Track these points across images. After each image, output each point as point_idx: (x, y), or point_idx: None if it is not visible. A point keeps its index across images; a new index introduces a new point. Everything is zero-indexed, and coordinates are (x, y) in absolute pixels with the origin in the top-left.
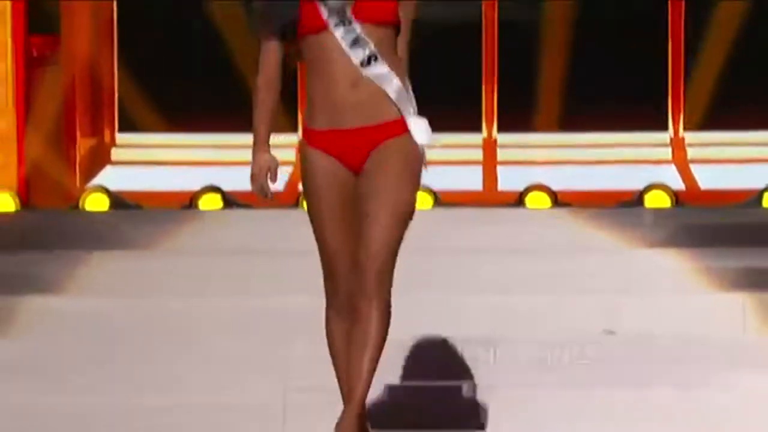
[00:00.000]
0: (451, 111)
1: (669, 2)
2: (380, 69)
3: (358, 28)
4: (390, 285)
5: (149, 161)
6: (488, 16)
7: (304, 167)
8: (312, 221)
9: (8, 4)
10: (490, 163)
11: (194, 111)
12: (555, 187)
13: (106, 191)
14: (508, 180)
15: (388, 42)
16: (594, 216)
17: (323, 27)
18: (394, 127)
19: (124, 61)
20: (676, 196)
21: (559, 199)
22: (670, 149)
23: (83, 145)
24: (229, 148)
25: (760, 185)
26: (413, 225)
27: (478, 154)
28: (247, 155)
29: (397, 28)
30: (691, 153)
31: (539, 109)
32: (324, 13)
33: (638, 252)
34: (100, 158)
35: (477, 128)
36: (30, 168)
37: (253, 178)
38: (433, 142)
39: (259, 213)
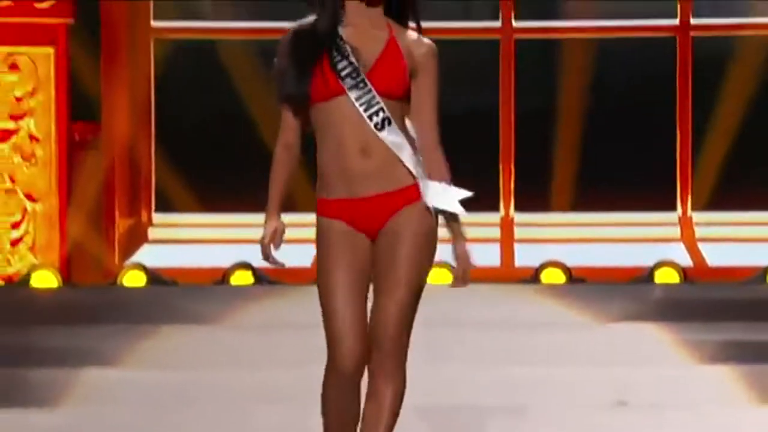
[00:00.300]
0: (470, 191)
1: (677, 92)
2: (394, 133)
3: (373, 91)
4: (405, 360)
5: (184, 239)
6: (505, 103)
7: (319, 236)
8: (322, 288)
9: (52, 93)
10: (507, 241)
11: (226, 192)
12: (569, 264)
13: (144, 268)
14: (525, 257)
15: (398, 114)
16: (606, 291)
17: (336, 93)
18: (411, 192)
19: (160, 145)
20: (685, 273)
21: (573, 275)
22: (678, 228)
23: (122, 224)
24: (258, 227)
25: (765, 263)
26: (433, 300)
27: (496, 233)
28: None
29: (405, 103)
30: (698, 232)
31: (554, 189)
32: (339, 78)
33: (645, 325)
34: (137, 237)
35: (495, 208)
36: (72, 246)
37: (260, 244)
38: (452, 205)
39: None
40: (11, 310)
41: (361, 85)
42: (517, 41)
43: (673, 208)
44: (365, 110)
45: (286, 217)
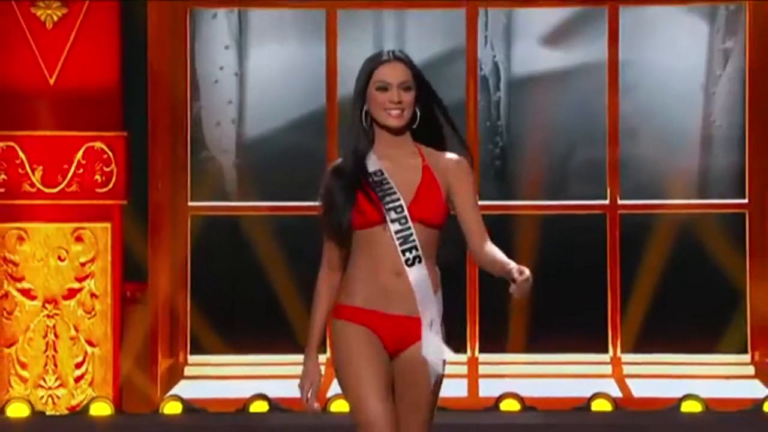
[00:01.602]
0: (447, 336)
1: (608, 257)
2: (419, 272)
3: (412, 227)
4: None
5: (213, 376)
6: (472, 268)
7: (343, 339)
8: (350, 389)
9: (109, 260)
10: (473, 376)
11: (246, 337)
12: (523, 395)
13: (180, 399)
14: (487, 389)
15: (432, 242)
16: (553, 416)
17: (378, 222)
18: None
19: (194, 301)
20: (616, 403)
21: (526, 404)
22: (610, 367)
23: (163, 363)
24: (273, 365)
25: (680, 395)
26: None
27: (464, 370)
28: (287, 371)
29: (440, 231)
30: (626, 370)
31: (511, 334)
32: (383, 211)
33: None
34: (176, 374)
35: (463, 350)
36: (123, 382)
37: (300, 388)
38: (439, 364)
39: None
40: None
41: (403, 220)
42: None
43: (605, 350)
44: (401, 244)
45: (295, 358)
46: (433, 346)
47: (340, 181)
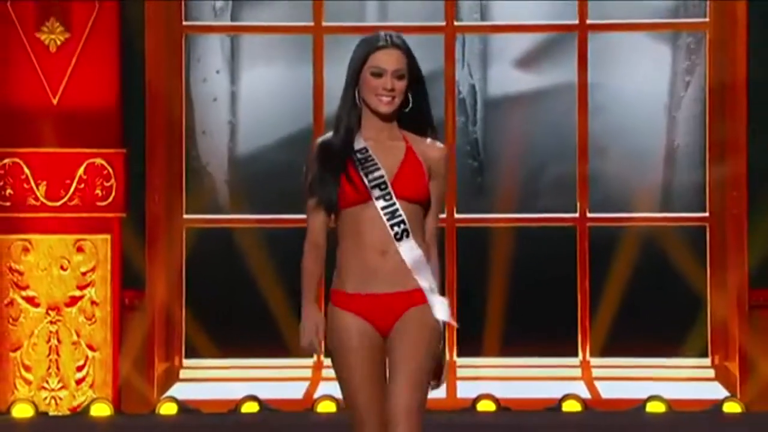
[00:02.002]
0: None
1: (578, 266)
2: (410, 244)
3: (397, 203)
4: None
5: (207, 378)
6: (450, 280)
7: (336, 328)
8: (342, 378)
9: (109, 269)
10: (451, 378)
11: (237, 342)
12: (498, 396)
13: (176, 400)
14: (464, 391)
15: (417, 218)
16: (526, 417)
17: (364, 200)
18: (418, 295)
19: (189, 308)
20: (585, 403)
21: (501, 405)
22: (580, 369)
23: (159, 367)
24: (263, 369)
25: (645, 396)
26: None
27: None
28: (277, 374)
29: (425, 208)
30: (594, 372)
31: (486, 339)
32: (367, 188)
33: None
34: (171, 377)
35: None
36: (122, 384)
37: (304, 333)
38: (451, 319)
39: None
40: (76, 431)
41: (387, 196)
42: (458, 228)
43: (575, 354)
44: (388, 219)
45: (284, 362)
46: (438, 306)
47: (326, 156)
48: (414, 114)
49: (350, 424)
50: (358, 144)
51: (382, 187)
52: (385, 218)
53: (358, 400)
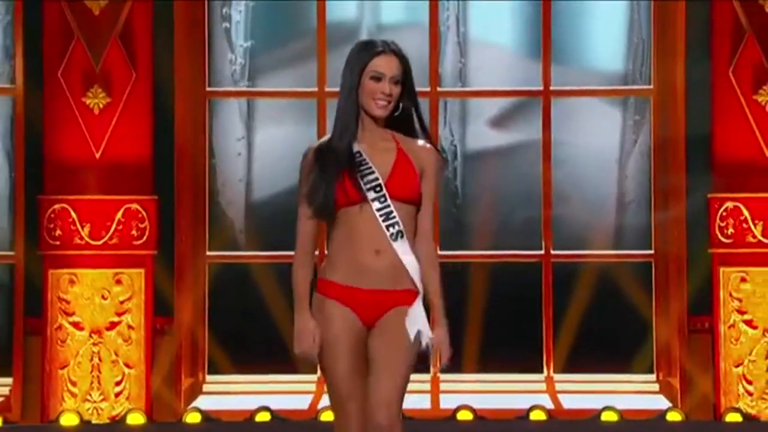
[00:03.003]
0: None
1: (543, 295)
2: (403, 245)
3: (391, 205)
4: (402, 428)
5: (226, 392)
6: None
7: (322, 316)
8: (326, 367)
9: (143, 298)
10: (435, 392)
11: (253, 361)
12: (476, 407)
13: (199, 411)
14: (446, 402)
15: (410, 218)
16: (499, 425)
17: (359, 201)
18: (407, 295)
19: (212, 331)
20: (549, 413)
21: (478, 414)
22: (545, 384)
23: (185, 382)
24: (274, 383)
25: (600, 407)
26: None
27: (427, 386)
28: (286, 388)
29: (418, 205)
30: (557, 386)
31: (465, 358)
32: (363, 189)
33: None
34: (196, 390)
35: (427, 371)
36: (153, 396)
37: (299, 341)
38: (425, 336)
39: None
40: None
41: (382, 198)
42: (441, 263)
43: (541, 371)
44: (384, 220)
45: (291, 377)
46: (418, 314)
47: (323, 161)
48: (405, 118)
49: (333, 411)
50: (353, 147)
51: (377, 189)
52: (380, 219)
53: (341, 389)
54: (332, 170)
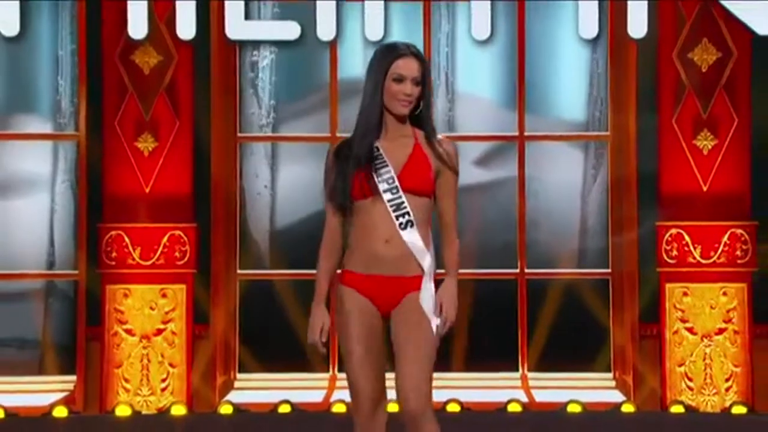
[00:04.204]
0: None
1: (519, 308)
2: (413, 234)
3: (403, 196)
4: (432, 407)
5: (254, 387)
6: None
7: (341, 304)
8: (346, 351)
9: (184, 309)
10: None
11: (277, 361)
12: (462, 400)
13: (232, 403)
14: (437, 396)
15: (423, 210)
16: (481, 415)
17: (374, 193)
18: (417, 281)
19: (242, 337)
20: (524, 406)
21: (464, 406)
22: (520, 380)
23: (219, 379)
24: (294, 380)
25: (566, 400)
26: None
27: None
28: (304, 384)
29: (431, 200)
30: (531, 383)
31: (453, 358)
32: (376, 182)
33: None
34: (228, 386)
35: None
36: (193, 391)
37: (310, 332)
38: (434, 312)
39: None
40: (161, 425)
41: (394, 190)
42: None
43: (517, 369)
44: (394, 211)
45: (308, 375)
46: (428, 294)
47: (343, 159)
48: (421, 116)
49: (350, 388)
50: (374, 143)
51: (390, 182)
52: (391, 209)
53: (356, 371)
54: (351, 167)
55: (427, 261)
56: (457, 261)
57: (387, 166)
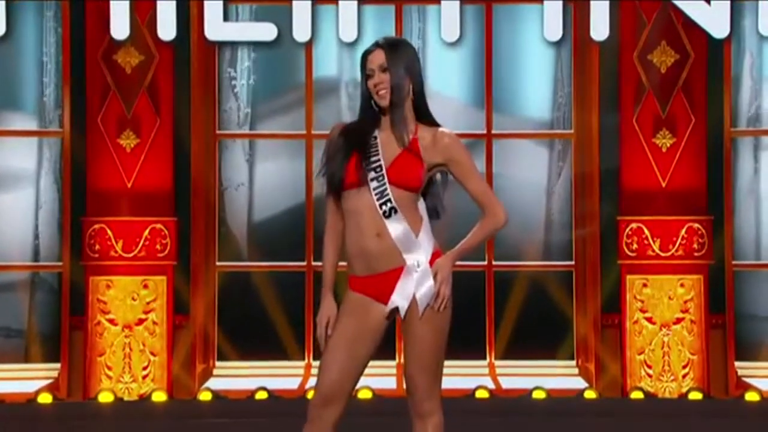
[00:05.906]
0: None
1: (486, 299)
2: (397, 221)
3: (387, 186)
4: (439, 401)
5: (231, 375)
6: None
7: (342, 303)
8: (327, 343)
9: (165, 300)
10: (399, 374)
11: (255, 350)
12: None
13: (210, 390)
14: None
15: (408, 203)
16: (452, 401)
17: (362, 183)
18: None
19: (220, 327)
20: (491, 392)
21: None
22: (488, 368)
23: (199, 367)
24: (270, 368)
25: (531, 387)
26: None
27: (393, 370)
28: (280, 372)
29: (417, 192)
30: (498, 370)
31: None
32: (364, 169)
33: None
34: (207, 374)
35: (392, 357)
36: (173, 378)
37: (318, 325)
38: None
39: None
40: (142, 411)
41: (380, 178)
42: None
43: (485, 358)
44: (378, 199)
45: (284, 363)
46: (407, 289)
47: (340, 141)
48: (419, 108)
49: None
50: (375, 134)
51: (377, 170)
52: (375, 197)
53: (324, 366)
54: (346, 150)
55: (416, 248)
56: (475, 234)
57: (378, 155)
